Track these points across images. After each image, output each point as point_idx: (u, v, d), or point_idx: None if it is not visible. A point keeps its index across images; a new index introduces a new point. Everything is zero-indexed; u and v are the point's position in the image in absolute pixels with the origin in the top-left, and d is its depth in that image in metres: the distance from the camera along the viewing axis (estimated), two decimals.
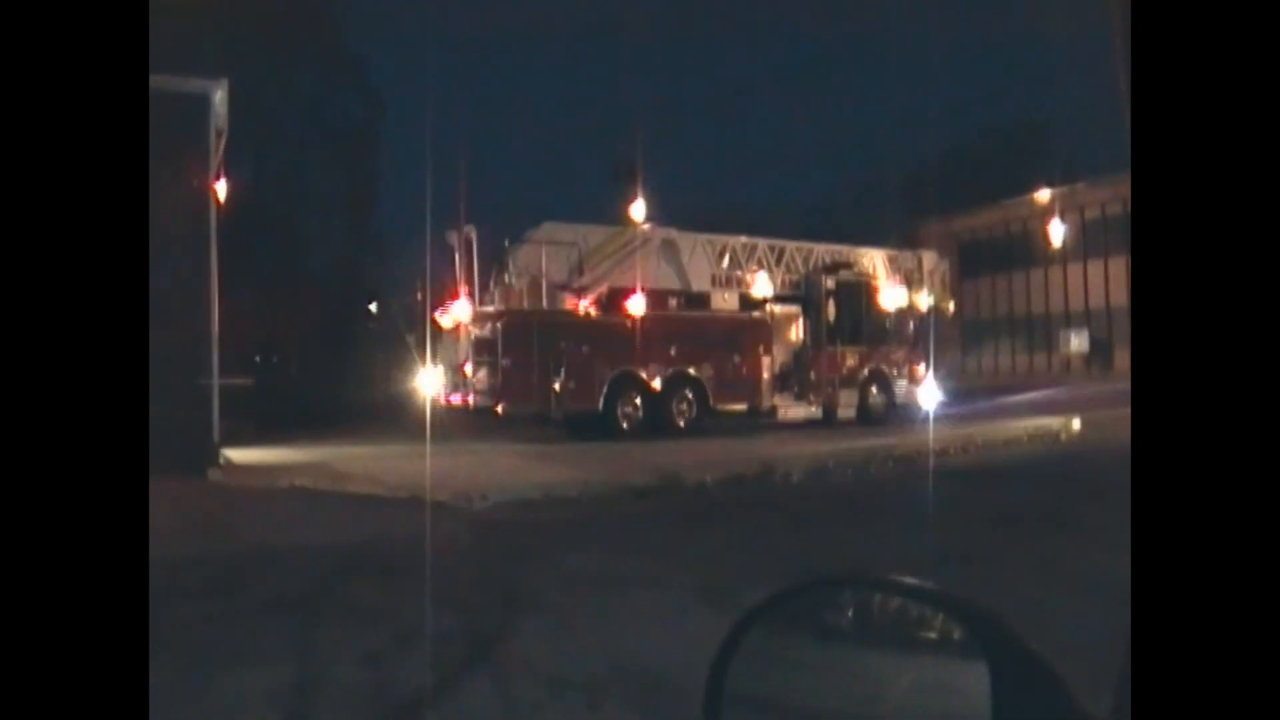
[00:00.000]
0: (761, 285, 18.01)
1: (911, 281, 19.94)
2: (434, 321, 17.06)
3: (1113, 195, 31.86)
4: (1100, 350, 34.07)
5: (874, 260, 19.76)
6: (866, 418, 18.28)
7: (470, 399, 16.00)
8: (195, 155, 13.51)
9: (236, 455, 13.95)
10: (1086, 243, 33.65)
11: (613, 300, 16.63)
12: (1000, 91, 72.81)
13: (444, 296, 16.79)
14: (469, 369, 16.02)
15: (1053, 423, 16.31)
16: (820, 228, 25.43)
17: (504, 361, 15.52)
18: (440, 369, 17.07)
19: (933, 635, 1.03)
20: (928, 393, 18.57)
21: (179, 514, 8.95)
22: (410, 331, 20.54)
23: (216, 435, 13.59)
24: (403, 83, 61.41)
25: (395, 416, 21.84)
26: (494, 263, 16.78)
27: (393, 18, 64.50)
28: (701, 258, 17.66)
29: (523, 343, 15.58)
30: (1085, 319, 35.85)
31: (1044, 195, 32.33)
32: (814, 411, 18.14)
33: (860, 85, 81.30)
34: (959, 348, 35.53)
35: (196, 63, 13.53)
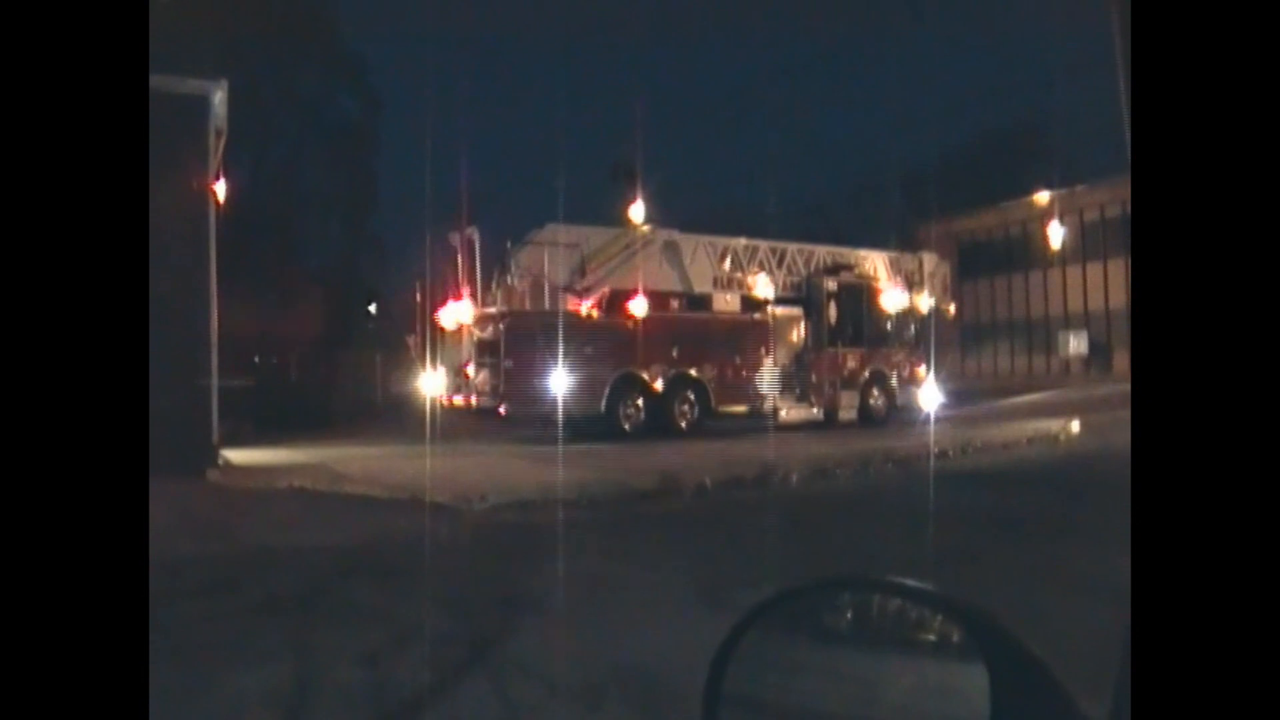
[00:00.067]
0: (763, 287, 18.04)
1: (912, 283, 19.99)
2: (435, 323, 17.09)
3: (1112, 198, 31.88)
4: (1099, 352, 34.06)
5: (875, 262, 19.81)
6: (867, 420, 18.31)
7: (473, 400, 16.03)
8: (194, 156, 13.51)
9: (235, 456, 13.94)
10: (1086, 245, 33.66)
11: (615, 302, 16.68)
12: (1000, 93, 73.04)
13: (445, 297, 16.82)
14: (471, 370, 16.04)
15: (1052, 425, 16.33)
16: (819, 229, 25.48)
17: (507, 363, 15.54)
18: (442, 370, 17.11)
19: (931, 637, 1.03)
20: (928, 395, 18.61)
21: (177, 514, 8.94)
22: (409, 332, 20.54)
23: (215, 436, 13.58)
24: (402, 83, 61.50)
25: (395, 417, 21.85)
26: (496, 264, 16.83)
27: (392, 18, 64.50)
28: (703, 259, 17.70)
29: (525, 344, 15.61)
30: (1084, 321, 35.84)
31: (1043, 197, 32.38)
32: (815, 413, 18.16)
33: (860, 87, 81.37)
34: (958, 350, 35.57)
35: (196, 63, 13.53)
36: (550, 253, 16.38)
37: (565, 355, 15.56)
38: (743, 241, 18.31)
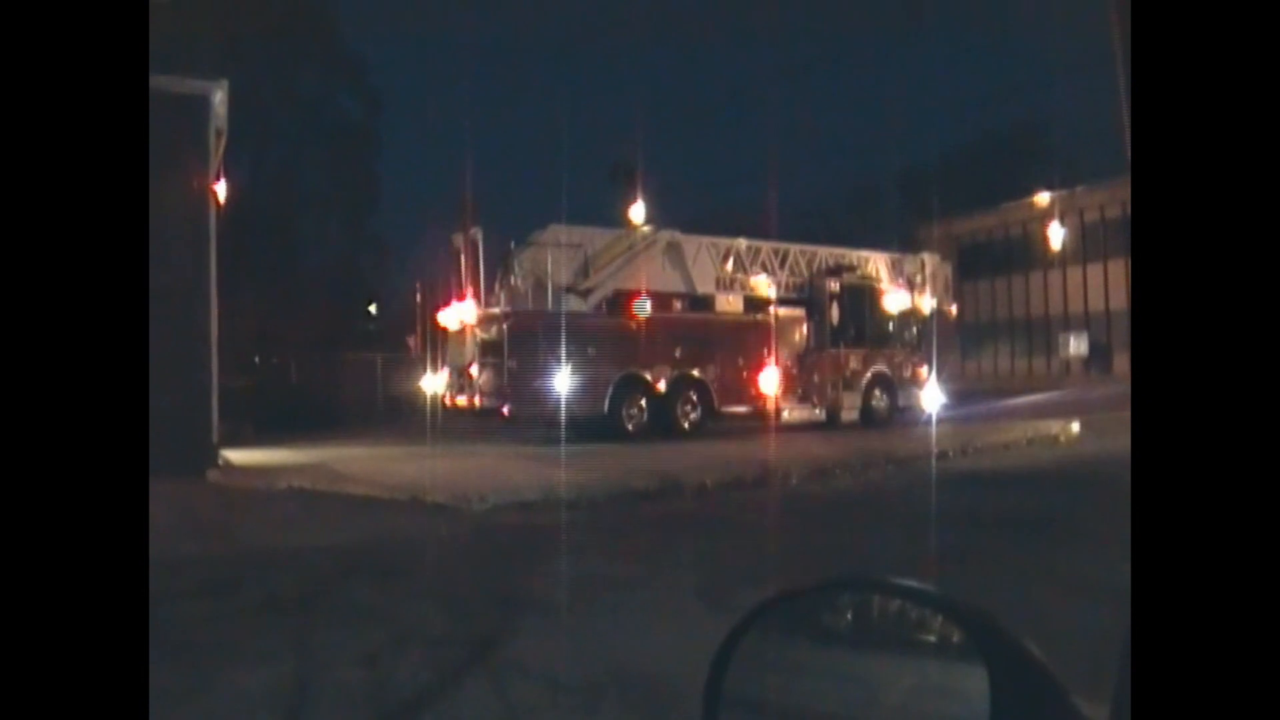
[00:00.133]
0: (765, 288, 18.06)
1: (914, 284, 19.99)
2: (437, 323, 17.11)
3: (1111, 199, 31.90)
4: (1099, 353, 34.08)
5: (877, 263, 19.82)
6: (870, 420, 18.33)
7: (476, 400, 16.05)
8: (194, 156, 13.51)
9: (235, 456, 13.94)
10: (1086, 246, 33.68)
11: (618, 303, 16.70)
12: (1000, 94, 73.01)
13: (448, 298, 16.85)
14: (475, 371, 16.05)
15: (1052, 427, 16.35)
16: (820, 230, 25.48)
17: (510, 363, 15.56)
18: (445, 371, 17.14)
19: (931, 638, 1.03)
20: (930, 396, 18.63)
21: (177, 515, 8.94)
22: (410, 332, 20.56)
23: (215, 436, 13.59)
24: (402, 83, 61.53)
25: (395, 418, 21.86)
26: (499, 265, 16.85)
27: (392, 18, 64.53)
28: (706, 260, 17.72)
29: (529, 345, 15.63)
30: (1084, 322, 35.86)
31: (1043, 198, 32.40)
32: (817, 414, 18.18)
33: (860, 88, 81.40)
34: (959, 351, 35.56)
35: (196, 63, 13.54)
36: (553, 253, 16.40)
37: (568, 356, 15.59)
38: (745, 242, 18.33)
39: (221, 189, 13.99)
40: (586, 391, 15.85)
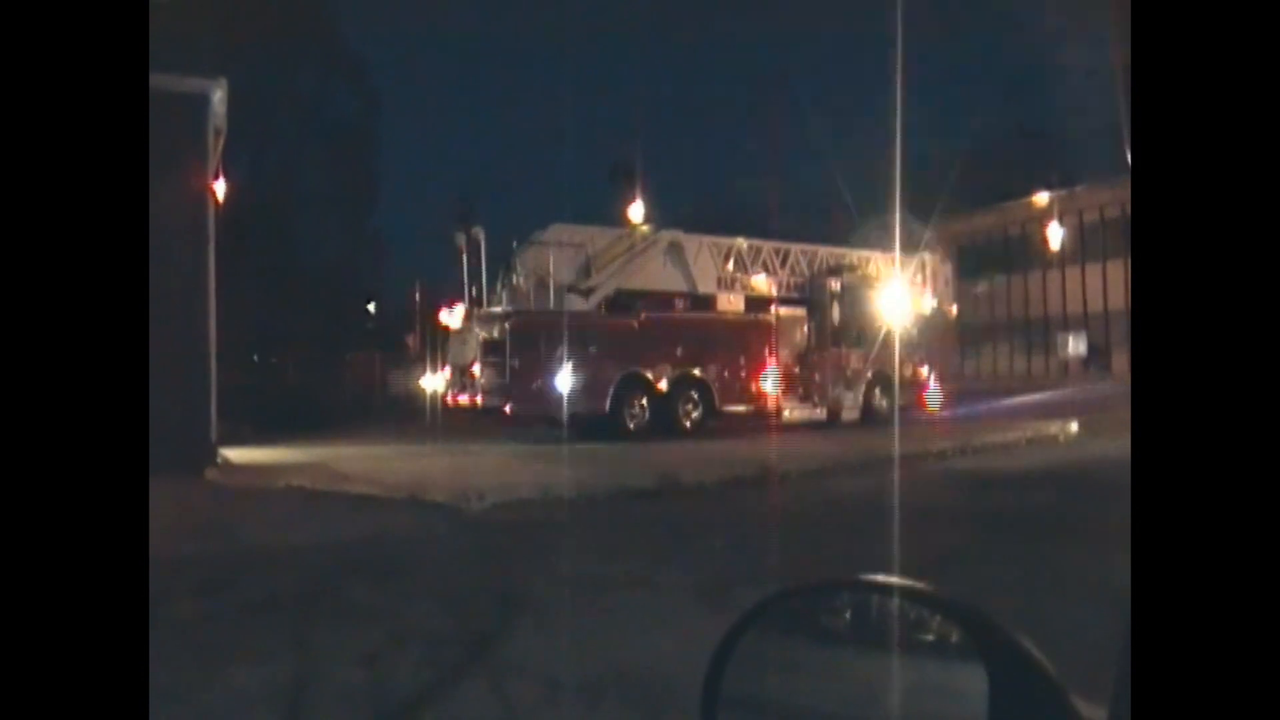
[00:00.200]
0: (766, 287, 18.09)
1: (915, 284, 20.01)
2: (437, 322, 17.14)
3: (1111, 199, 31.92)
4: (1098, 353, 34.11)
5: (878, 263, 19.83)
6: (870, 419, 18.34)
7: (478, 399, 16.09)
8: (193, 155, 13.49)
9: (234, 455, 13.94)
10: (1085, 246, 33.69)
11: (620, 302, 16.70)
12: (1000, 94, 72.91)
13: (449, 297, 16.89)
14: (477, 370, 16.07)
15: (1051, 426, 16.38)
16: (819, 230, 25.45)
17: (513, 362, 15.58)
18: (445, 369, 17.19)
19: (930, 637, 1.03)
20: (930, 395, 18.64)
21: (176, 513, 8.94)
22: (409, 331, 20.58)
23: (214, 435, 13.58)
24: (402, 83, 61.47)
25: (394, 416, 21.85)
26: (502, 264, 16.88)
27: (392, 18, 64.49)
28: (707, 260, 17.75)
29: (531, 344, 15.66)
30: (1083, 322, 35.89)
31: (1042, 199, 32.39)
32: (818, 413, 18.21)
33: (859, 88, 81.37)
34: (958, 350, 35.57)
35: (195, 62, 13.52)
36: (555, 253, 16.43)
37: (570, 355, 15.62)
38: (746, 242, 18.36)
39: (220, 188, 13.98)
40: (588, 390, 15.88)
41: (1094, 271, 34.59)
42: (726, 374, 17.23)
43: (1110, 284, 33.86)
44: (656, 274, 17.17)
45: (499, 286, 16.81)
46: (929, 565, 6.17)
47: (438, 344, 18.17)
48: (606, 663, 4.59)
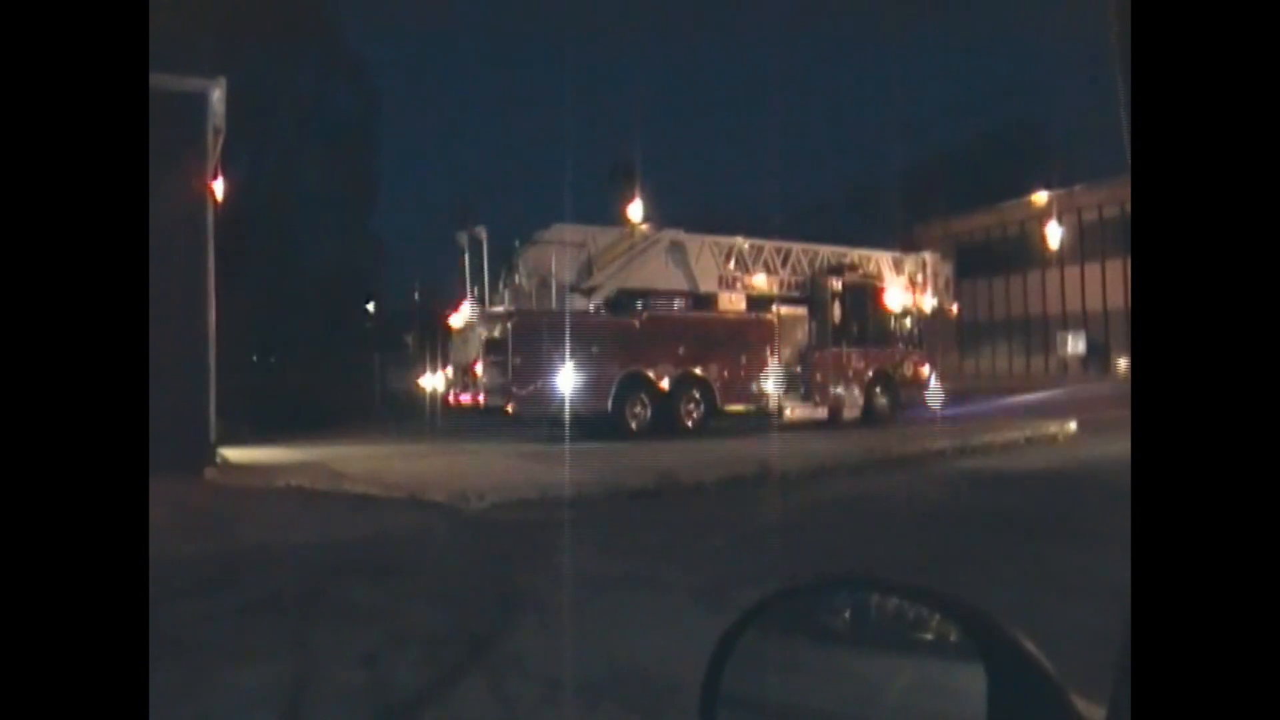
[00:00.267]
0: (767, 286, 18.12)
1: (915, 283, 20.04)
2: (440, 321, 17.17)
3: (1110, 198, 31.96)
4: (1097, 352, 34.15)
5: (879, 262, 19.86)
6: (871, 419, 18.37)
7: (480, 399, 16.11)
8: (193, 154, 13.49)
9: (233, 454, 13.93)
10: (1084, 245, 33.73)
11: (621, 301, 16.72)
12: (998, 94, 73.01)
13: (450, 297, 16.92)
14: (479, 369, 16.09)
15: (1050, 426, 16.41)
16: (818, 230, 25.48)
17: (514, 361, 15.60)
18: (446, 369, 17.21)
19: (929, 636, 1.02)
20: (931, 394, 18.67)
21: (175, 513, 8.94)
22: (408, 331, 20.59)
23: (213, 434, 13.58)
24: (402, 82, 61.46)
25: (393, 416, 21.84)
26: (503, 263, 16.90)
27: (392, 18, 64.48)
28: (709, 259, 17.78)
29: (533, 343, 15.68)
30: (1082, 321, 35.93)
31: (1041, 198, 32.44)
32: (819, 412, 18.24)
33: (859, 87, 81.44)
34: (959, 349, 35.62)
35: (194, 61, 13.52)
36: (557, 252, 16.45)
37: (572, 354, 15.65)
38: (747, 241, 18.39)
39: (219, 187, 13.98)
40: (590, 389, 15.91)
41: (1093, 271, 34.63)
42: (728, 373, 17.26)
43: (1110, 283, 33.90)
44: (658, 273, 17.20)
45: (501, 286, 16.84)
46: (929, 565, 6.17)
47: (438, 344, 18.19)
48: (606, 662, 4.59)
